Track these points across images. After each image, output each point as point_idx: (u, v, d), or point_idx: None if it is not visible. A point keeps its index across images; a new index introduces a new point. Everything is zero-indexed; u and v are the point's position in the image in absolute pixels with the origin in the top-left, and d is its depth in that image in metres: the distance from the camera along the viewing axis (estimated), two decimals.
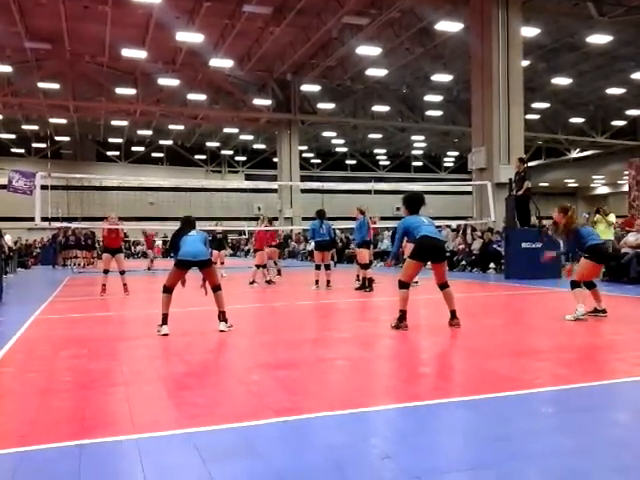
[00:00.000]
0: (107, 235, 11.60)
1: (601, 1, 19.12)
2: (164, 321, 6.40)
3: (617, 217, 18.42)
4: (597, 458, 2.74)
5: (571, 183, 51.16)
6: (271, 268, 14.83)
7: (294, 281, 13.26)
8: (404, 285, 6.42)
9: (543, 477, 2.54)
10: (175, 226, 11.95)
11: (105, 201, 41.71)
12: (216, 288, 6.69)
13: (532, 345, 5.53)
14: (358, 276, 11.89)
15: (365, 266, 11.43)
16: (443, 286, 6.51)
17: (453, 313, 6.49)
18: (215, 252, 16.41)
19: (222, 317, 6.62)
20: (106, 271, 11.35)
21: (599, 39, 21.27)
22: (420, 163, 51.13)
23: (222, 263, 16.21)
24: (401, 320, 6.32)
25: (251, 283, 13.05)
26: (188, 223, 7.02)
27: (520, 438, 2.98)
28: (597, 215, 13.83)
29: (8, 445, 2.94)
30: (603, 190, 51.53)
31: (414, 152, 49.08)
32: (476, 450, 2.85)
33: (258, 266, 13.35)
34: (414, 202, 6.68)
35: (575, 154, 42.23)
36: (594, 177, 48.75)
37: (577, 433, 3.13)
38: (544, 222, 14.89)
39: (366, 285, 11.22)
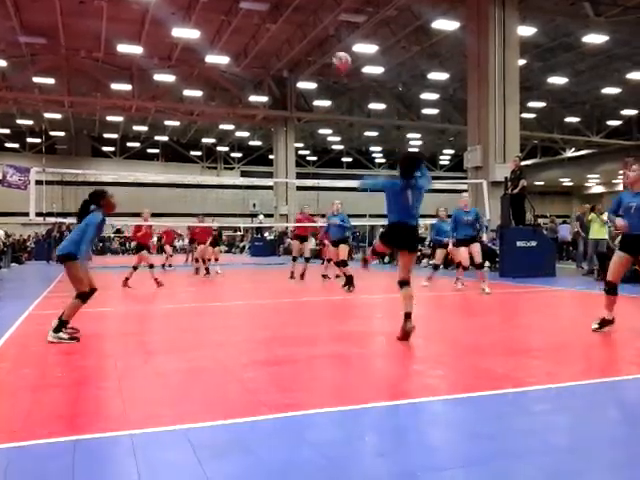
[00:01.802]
0: (139, 230, 12.02)
1: (597, 1, 19.14)
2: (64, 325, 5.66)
3: None
4: (590, 456, 2.75)
5: (566, 182, 51.32)
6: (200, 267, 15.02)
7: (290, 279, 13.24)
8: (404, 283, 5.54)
9: (537, 475, 2.55)
10: (171, 222, 11.86)
11: None
12: (78, 294, 5.73)
13: (526, 343, 5.55)
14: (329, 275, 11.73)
15: (344, 263, 11.00)
16: (404, 283, 5.53)
17: (408, 315, 5.43)
18: (209, 249, 16.30)
19: (58, 327, 5.60)
20: (135, 267, 11.88)
21: (595, 39, 21.29)
22: None
23: (216, 260, 16.14)
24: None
25: (324, 276, 13.12)
26: (90, 201, 5.93)
27: (514, 436, 2.99)
28: (592, 214, 13.85)
29: (0, 440, 2.92)
30: (598, 189, 51.69)
31: (410, 150, 49.10)
32: (471, 447, 2.86)
33: (329, 260, 13.30)
34: (406, 163, 5.58)
35: (570, 153, 42.35)
36: (589, 176, 48.92)
37: (571, 431, 3.14)
38: (539, 221, 14.94)
39: (351, 284, 10.60)
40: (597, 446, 2.88)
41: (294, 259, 13.44)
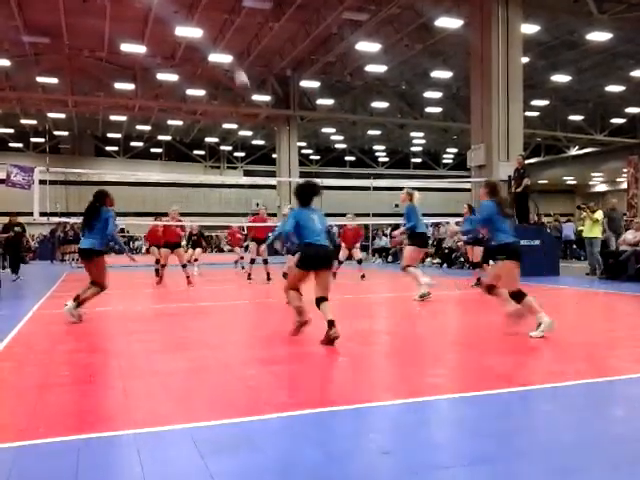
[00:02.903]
0: (166, 230, 12.06)
1: None
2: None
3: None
4: (594, 454, 2.75)
5: (570, 180, 51.20)
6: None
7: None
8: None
9: (540, 473, 2.55)
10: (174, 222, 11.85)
11: None
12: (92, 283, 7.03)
13: (529, 342, 5.54)
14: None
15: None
16: (323, 299, 5.62)
17: (331, 323, 5.46)
18: (190, 250, 15.72)
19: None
20: (164, 265, 11.92)
21: (599, 36, 21.22)
22: (419, 160, 51.12)
23: (196, 260, 15.62)
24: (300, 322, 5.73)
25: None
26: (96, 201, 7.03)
27: (517, 434, 2.99)
28: (584, 212, 13.62)
29: (6, 439, 2.94)
30: (602, 188, 51.58)
31: (413, 149, 49.03)
32: (474, 446, 2.86)
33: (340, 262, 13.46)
34: (305, 193, 6.03)
35: (574, 151, 42.24)
36: (593, 174, 48.78)
37: (574, 430, 3.14)
38: (543, 219, 14.88)
39: None
40: (601, 444, 2.88)
41: (252, 261, 12.98)
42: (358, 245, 14.37)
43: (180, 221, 12.64)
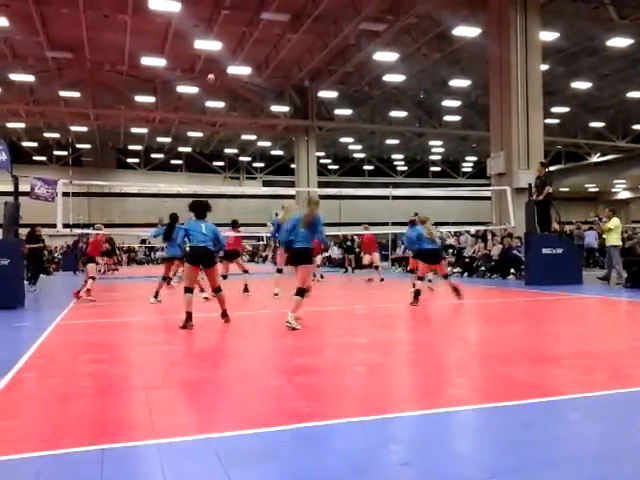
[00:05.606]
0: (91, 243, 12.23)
1: (621, 4, 18.92)
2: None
3: (636, 222, 17.84)
4: (621, 465, 2.69)
5: (592, 188, 50.60)
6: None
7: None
8: (188, 290, 7.52)
9: None
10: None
11: (125, 208, 42.22)
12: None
13: (553, 351, 5.47)
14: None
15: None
16: (218, 290, 7.61)
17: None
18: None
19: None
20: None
21: (619, 42, 21.04)
22: (438, 168, 50.93)
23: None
24: (187, 320, 7.18)
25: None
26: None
27: (542, 445, 2.95)
28: (595, 220, 13.38)
29: (30, 449, 2.97)
30: (624, 195, 50.88)
31: (432, 157, 48.90)
32: (497, 457, 2.82)
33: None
34: (198, 208, 7.98)
35: (595, 158, 41.76)
36: (615, 182, 48.16)
37: (600, 440, 3.09)
38: (566, 227, 14.68)
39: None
40: (629, 455, 2.82)
41: (224, 277, 11.77)
42: (376, 252, 16.21)
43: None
